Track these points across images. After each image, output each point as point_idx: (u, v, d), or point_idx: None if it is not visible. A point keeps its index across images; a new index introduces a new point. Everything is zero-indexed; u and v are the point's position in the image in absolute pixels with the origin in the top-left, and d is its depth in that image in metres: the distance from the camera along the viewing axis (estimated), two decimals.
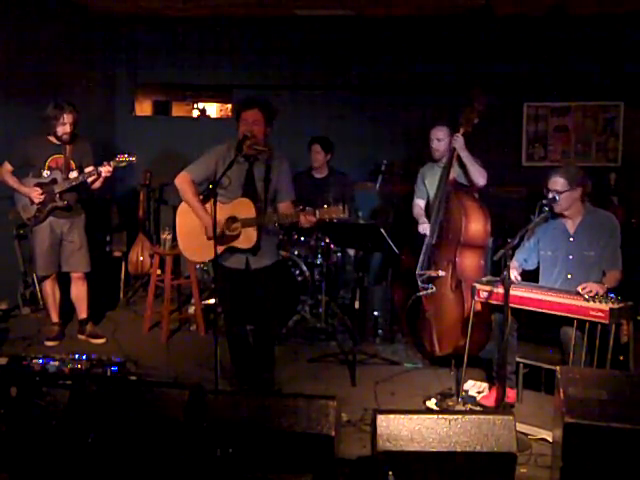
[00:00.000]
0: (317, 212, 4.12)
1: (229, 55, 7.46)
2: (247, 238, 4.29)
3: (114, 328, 5.91)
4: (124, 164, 5.35)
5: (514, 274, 4.29)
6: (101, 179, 5.32)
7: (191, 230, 4.39)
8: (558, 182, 4.19)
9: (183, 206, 4.44)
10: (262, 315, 4.53)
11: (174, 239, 5.99)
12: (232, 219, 4.28)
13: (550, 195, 4.21)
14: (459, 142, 4.97)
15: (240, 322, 4.59)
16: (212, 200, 4.20)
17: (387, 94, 7.16)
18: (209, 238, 4.18)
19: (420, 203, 5.36)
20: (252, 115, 4.28)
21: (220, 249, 4.28)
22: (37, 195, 5.27)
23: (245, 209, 4.26)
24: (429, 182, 5.26)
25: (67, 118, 5.23)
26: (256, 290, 4.48)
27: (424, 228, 5.17)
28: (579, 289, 4.00)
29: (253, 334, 4.66)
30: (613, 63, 6.66)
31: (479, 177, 5.01)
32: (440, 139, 5.13)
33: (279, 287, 4.85)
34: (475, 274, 4.76)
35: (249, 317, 4.60)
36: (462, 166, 5.06)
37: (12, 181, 5.35)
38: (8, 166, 5.36)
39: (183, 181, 4.38)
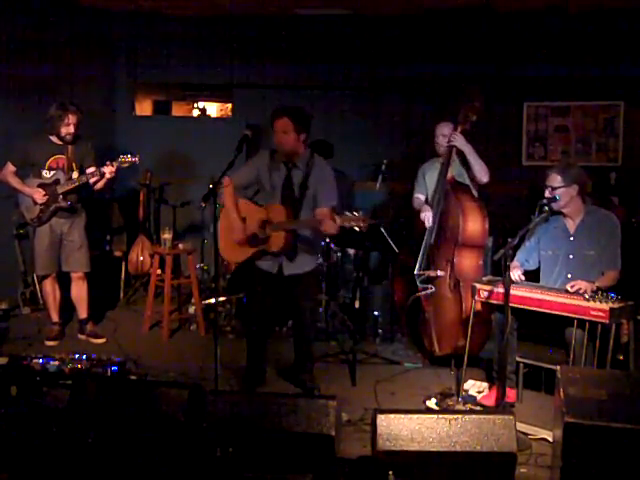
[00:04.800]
0: (338, 218, 3.92)
1: (229, 55, 7.44)
2: (276, 241, 4.33)
3: (114, 328, 5.90)
4: (127, 165, 5.33)
5: (517, 273, 4.30)
6: (104, 180, 5.30)
7: (228, 231, 4.52)
8: (553, 178, 4.22)
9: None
10: (297, 318, 4.59)
11: (174, 239, 6.03)
12: (265, 222, 4.35)
13: (546, 191, 4.22)
14: (459, 140, 4.95)
15: (263, 323, 4.62)
16: (246, 200, 4.50)
17: (387, 94, 7.16)
18: (239, 241, 4.41)
19: (420, 197, 5.30)
20: (282, 125, 4.29)
21: (251, 251, 4.41)
22: (40, 196, 5.26)
23: (277, 214, 4.31)
24: (429, 178, 5.22)
25: (71, 119, 5.23)
26: (289, 294, 4.52)
27: (427, 217, 5.00)
28: (567, 287, 4.01)
29: (293, 336, 4.73)
30: (613, 62, 6.64)
31: (483, 174, 4.97)
32: (445, 135, 5.09)
33: (314, 292, 4.93)
34: (474, 274, 4.76)
35: (274, 319, 4.64)
36: (464, 163, 5.04)
37: (15, 182, 5.35)
38: (11, 166, 5.36)
39: (224, 185, 4.43)
